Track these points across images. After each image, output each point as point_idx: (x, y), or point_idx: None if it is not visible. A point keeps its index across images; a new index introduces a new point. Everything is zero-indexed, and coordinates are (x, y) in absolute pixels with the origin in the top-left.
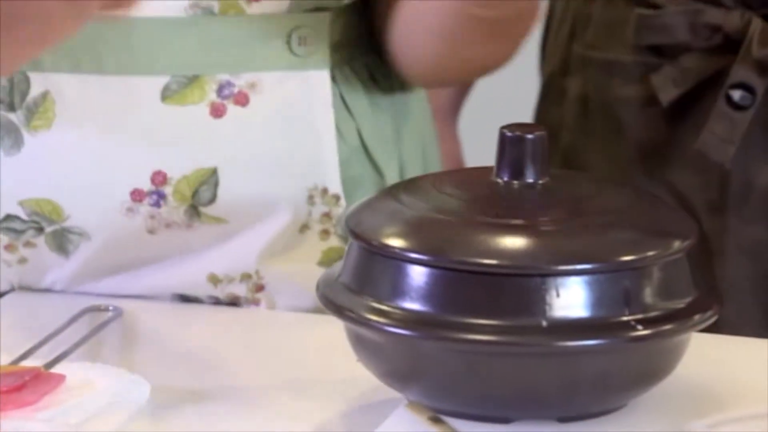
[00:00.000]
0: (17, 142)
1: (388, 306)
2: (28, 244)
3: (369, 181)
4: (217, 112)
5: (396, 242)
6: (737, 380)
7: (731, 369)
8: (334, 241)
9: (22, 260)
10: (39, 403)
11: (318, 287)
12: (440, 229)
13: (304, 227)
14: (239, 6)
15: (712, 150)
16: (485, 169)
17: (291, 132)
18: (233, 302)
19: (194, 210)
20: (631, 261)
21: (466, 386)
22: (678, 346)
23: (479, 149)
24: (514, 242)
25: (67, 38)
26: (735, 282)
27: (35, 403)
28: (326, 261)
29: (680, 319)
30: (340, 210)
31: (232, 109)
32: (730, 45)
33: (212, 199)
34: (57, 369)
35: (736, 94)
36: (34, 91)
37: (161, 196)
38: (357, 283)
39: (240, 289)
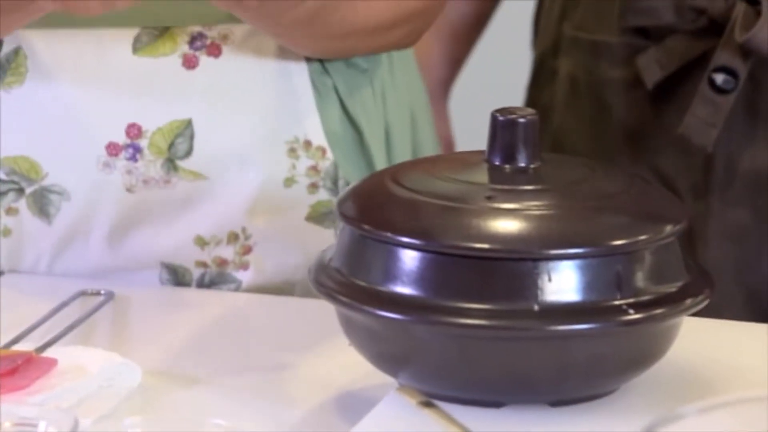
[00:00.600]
0: None
1: (379, 290)
2: (10, 210)
3: (349, 138)
4: (190, 63)
5: (388, 226)
6: (729, 364)
7: (723, 353)
8: (322, 195)
9: (6, 231)
10: (31, 387)
11: (310, 271)
12: (432, 213)
13: (290, 181)
14: None
15: (694, 133)
16: (477, 153)
17: (265, 83)
18: (222, 267)
19: (171, 164)
20: (623, 245)
21: (457, 370)
22: (669, 330)
23: (471, 132)
24: (505, 226)
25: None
26: (717, 266)
27: (27, 387)
28: (315, 215)
29: (672, 303)
30: (327, 163)
31: (204, 60)
32: (715, 28)
33: (189, 152)
34: (49, 353)
35: (719, 78)
36: (6, 48)
37: (137, 150)
38: (349, 267)
39: (228, 252)
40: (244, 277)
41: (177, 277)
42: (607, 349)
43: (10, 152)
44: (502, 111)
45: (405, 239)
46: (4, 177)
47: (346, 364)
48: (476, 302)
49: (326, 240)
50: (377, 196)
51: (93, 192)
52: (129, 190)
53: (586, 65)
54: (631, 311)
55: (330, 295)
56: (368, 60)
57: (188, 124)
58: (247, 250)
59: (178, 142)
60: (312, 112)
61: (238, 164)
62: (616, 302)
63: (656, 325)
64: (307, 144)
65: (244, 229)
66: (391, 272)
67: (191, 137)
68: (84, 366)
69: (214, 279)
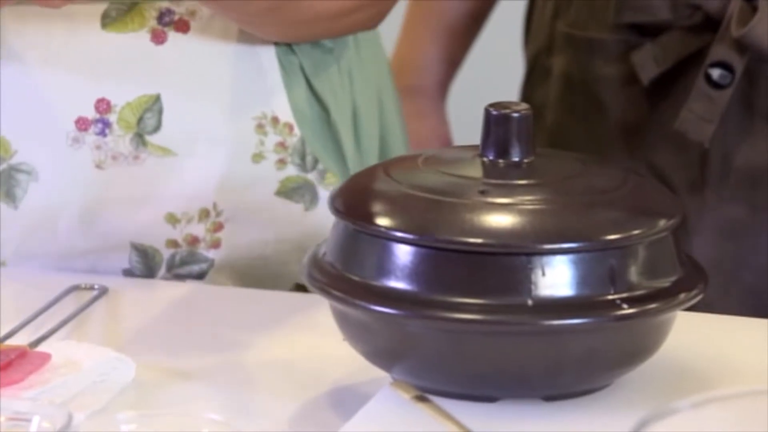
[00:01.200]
0: None
1: (373, 285)
2: None
3: (316, 116)
4: (158, 38)
5: (381, 221)
6: (722, 359)
7: (717, 348)
8: (291, 171)
9: None
10: (24, 381)
11: (303, 266)
12: (426, 207)
13: (258, 157)
14: None
15: (690, 129)
16: (471, 148)
17: (232, 60)
18: (193, 246)
19: (140, 139)
20: (617, 240)
21: (451, 365)
22: (663, 325)
23: (465, 128)
24: (499, 221)
25: None
26: (712, 261)
27: (20, 381)
28: (284, 190)
29: (665, 297)
30: (295, 140)
31: (173, 36)
32: (711, 24)
33: (157, 127)
34: (42, 348)
35: (715, 73)
36: None
37: (106, 125)
38: (342, 262)
39: (199, 230)
40: (216, 255)
41: (147, 259)
42: (600, 343)
43: None
44: (495, 105)
45: (398, 234)
46: None
47: (339, 358)
48: (470, 297)
49: (296, 214)
50: (371, 191)
51: (62, 169)
52: (98, 166)
53: (580, 63)
54: (625, 306)
55: (323, 289)
56: (334, 41)
57: (157, 99)
58: (219, 227)
59: (147, 117)
60: (279, 89)
61: (206, 140)
62: (610, 297)
63: (650, 320)
64: (275, 120)
65: (215, 205)
66: (384, 267)
67: (160, 112)
68: (78, 361)
69: (185, 259)
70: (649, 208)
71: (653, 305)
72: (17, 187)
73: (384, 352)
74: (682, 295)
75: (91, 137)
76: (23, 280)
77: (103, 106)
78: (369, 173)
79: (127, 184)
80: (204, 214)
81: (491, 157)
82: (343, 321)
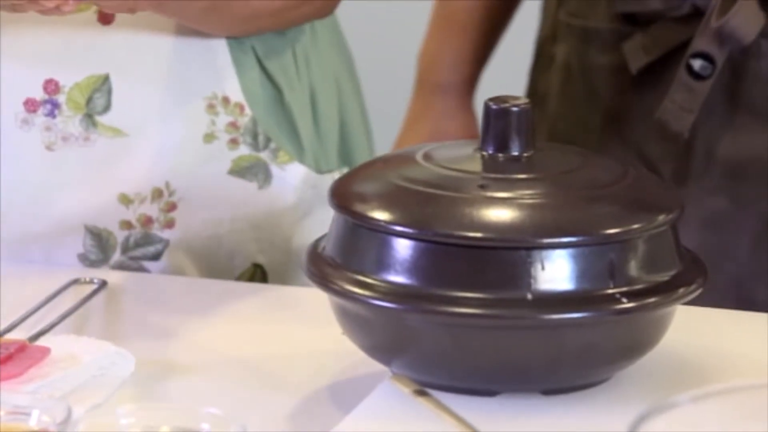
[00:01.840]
0: None
1: (373, 279)
2: None
3: (269, 96)
4: (106, 18)
5: (381, 215)
6: (722, 353)
7: (716, 342)
8: (243, 150)
9: None
10: (24, 375)
11: (303, 260)
12: (425, 202)
13: (210, 137)
14: None
15: (671, 119)
16: (471, 142)
17: (181, 40)
18: (147, 227)
19: (90, 119)
20: (616, 234)
21: (451, 359)
22: (663, 319)
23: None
24: (499, 215)
25: None
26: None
27: (20, 375)
28: (237, 169)
29: (665, 291)
30: (246, 119)
31: (120, 15)
32: (699, 14)
33: (107, 107)
34: (42, 342)
35: (696, 64)
36: None
37: (55, 105)
38: (342, 256)
39: (152, 210)
40: (171, 236)
41: (101, 242)
42: (600, 337)
43: None
44: (495, 100)
45: (398, 228)
46: None
47: (339, 353)
48: (469, 291)
49: (250, 193)
50: (370, 185)
51: (12, 151)
52: (49, 148)
53: (578, 51)
54: (624, 300)
55: (323, 283)
56: None
57: (106, 79)
58: (172, 207)
59: (96, 97)
60: (229, 70)
61: (157, 120)
62: (609, 291)
63: (649, 314)
64: (225, 100)
65: (167, 185)
66: (384, 261)
67: (109, 92)
68: (77, 355)
69: (140, 241)
70: (648, 203)
71: (652, 299)
72: None
73: (383, 346)
74: (682, 290)
75: (40, 119)
76: (23, 275)
77: (51, 86)
78: (368, 167)
79: (79, 166)
80: (157, 194)
81: (491, 152)
82: (342, 315)
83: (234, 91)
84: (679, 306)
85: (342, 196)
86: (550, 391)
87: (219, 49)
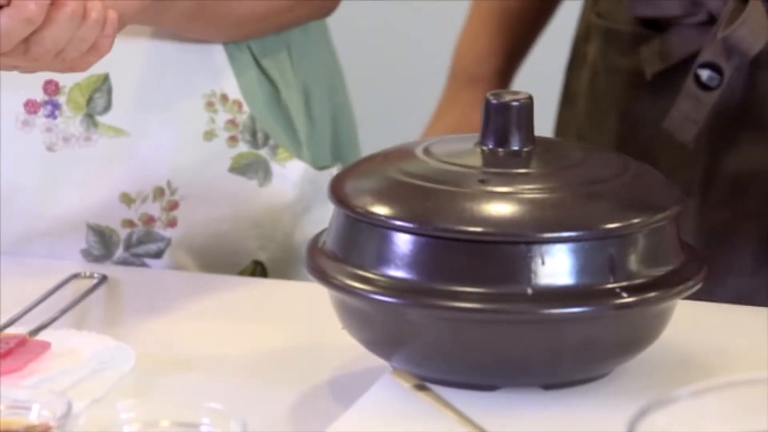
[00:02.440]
0: None
1: (373, 274)
2: None
3: (266, 94)
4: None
5: (381, 210)
6: (722, 347)
7: (716, 336)
8: (242, 147)
9: None
10: (24, 370)
11: (304, 255)
12: (426, 196)
13: (209, 134)
14: None
15: (676, 128)
16: (471, 137)
17: (177, 37)
18: (149, 225)
19: (91, 119)
20: (616, 228)
21: (451, 354)
22: (663, 314)
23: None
24: (499, 210)
25: None
26: None
27: (20, 370)
28: (237, 167)
29: (665, 286)
30: (245, 117)
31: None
32: (715, 22)
33: (107, 107)
34: (42, 336)
35: (704, 74)
36: None
37: (55, 106)
38: (342, 251)
39: (154, 209)
40: (173, 234)
41: (104, 239)
42: (600, 332)
43: None
44: (495, 95)
45: (398, 223)
46: None
47: (339, 347)
48: (470, 286)
49: (251, 191)
50: (370, 180)
51: (14, 152)
52: (50, 148)
53: (602, 52)
54: (625, 294)
55: (323, 278)
56: None
57: (105, 78)
58: (174, 206)
59: (96, 97)
60: (226, 67)
61: (157, 118)
62: (610, 285)
63: (649, 309)
64: (224, 98)
65: (169, 183)
66: (384, 256)
67: (109, 92)
68: (77, 349)
69: (142, 239)
70: (648, 197)
71: (653, 294)
72: None
73: (383, 341)
74: (682, 284)
75: (41, 120)
76: (23, 269)
77: (51, 87)
78: (369, 162)
79: (80, 166)
80: (159, 192)
81: (491, 146)
82: (342, 310)
83: (232, 88)
84: (679, 300)
85: (342, 191)
86: (550, 386)
87: (215, 47)
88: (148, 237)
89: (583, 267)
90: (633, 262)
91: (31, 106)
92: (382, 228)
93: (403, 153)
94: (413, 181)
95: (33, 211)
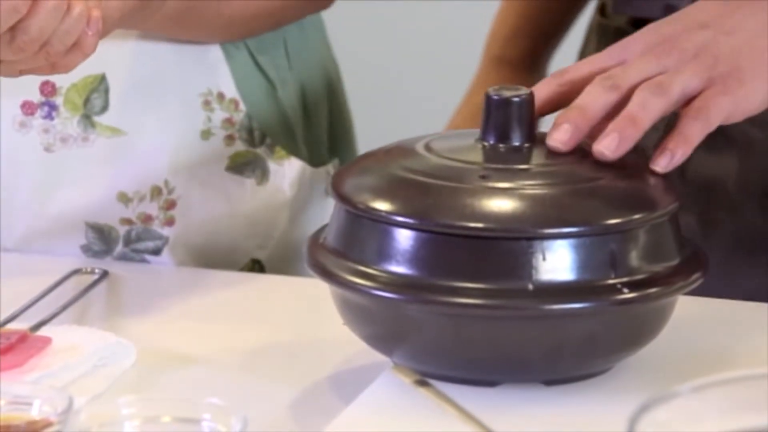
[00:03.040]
0: None
1: (374, 269)
2: None
3: (263, 91)
4: None
5: (382, 205)
6: (723, 343)
7: (717, 332)
8: (239, 146)
9: None
10: (25, 365)
11: (304, 251)
12: (426, 192)
13: (206, 133)
14: None
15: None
16: (472, 132)
17: (173, 38)
18: (146, 224)
19: (88, 120)
20: (617, 224)
21: (452, 349)
22: (664, 309)
23: None
24: (500, 205)
25: None
26: None
27: (21, 365)
28: (234, 166)
29: (666, 282)
30: (241, 115)
31: None
32: None
33: (105, 107)
34: (43, 332)
35: None
36: None
37: (52, 107)
38: (343, 246)
39: (152, 208)
40: (171, 233)
41: (103, 235)
42: (601, 328)
43: None
44: (496, 90)
45: (399, 218)
46: None
47: (340, 343)
48: (471, 281)
49: (248, 189)
50: (371, 175)
51: (11, 154)
52: (47, 149)
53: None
54: (626, 290)
55: (324, 274)
56: None
57: (102, 78)
58: (171, 205)
59: (93, 98)
60: (221, 64)
61: (154, 118)
62: (611, 281)
63: (650, 304)
64: (220, 96)
65: (166, 182)
66: (385, 251)
67: (106, 92)
68: (78, 345)
69: (141, 235)
70: (649, 193)
71: (654, 290)
72: None
73: (384, 337)
74: (683, 280)
75: (38, 121)
76: (24, 264)
77: (48, 88)
78: (370, 158)
79: (78, 166)
80: (156, 192)
81: (492, 142)
82: (343, 305)
83: (228, 86)
84: (680, 296)
85: (343, 187)
86: (551, 382)
87: (211, 45)
88: (147, 234)
89: (584, 263)
90: (634, 258)
91: (28, 108)
92: (383, 224)
93: (404, 149)
94: (414, 177)
95: (32, 212)
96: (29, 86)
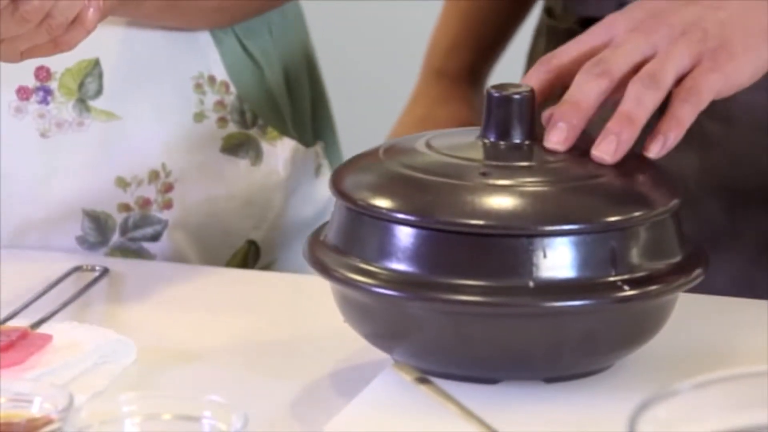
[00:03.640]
0: None
1: (374, 267)
2: None
3: (251, 75)
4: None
5: (382, 203)
6: (723, 340)
7: (717, 329)
8: (232, 128)
9: None
10: (25, 363)
11: (304, 248)
12: (427, 189)
13: (200, 116)
14: None
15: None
16: (472, 130)
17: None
18: (145, 209)
19: (83, 104)
20: (618, 221)
21: (453, 347)
22: (664, 307)
23: None
24: (501, 203)
25: None
26: None
27: (22, 362)
28: (228, 147)
29: (667, 279)
30: (232, 97)
31: None
32: None
33: (99, 91)
34: (44, 329)
35: None
36: None
37: (47, 92)
38: (343, 244)
39: (150, 192)
40: (169, 216)
41: (100, 224)
42: (602, 325)
43: None
44: (497, 87)
45: (400, 216)
46: None
47: (341, 340)
48: (471, 279)
49: (243, 170)
50: (372, 173)
51: (7, 140)
52: (43, 135)
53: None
54: (626, 288)
55: (325, 271)
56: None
57: (96, 63)
58: (169, 188)
59: (88, 82)
60: (210, 48)
61: (148, 102)
62: (611, 279)
63: (651, 302)
64: (211, 79)
65: (163, 166)
66: (386, 249)
67: (100, 76)
68: (79, 342)
69: (138, 223)
70: (650, 190)
71: (654, 287)
72: None
73: (385, 334)
74: (684, 277)
75: (33, 106)
76: (24, 261)
77: (42, 73)
78: (370, 155)
79: (74, 151)
80: (154, 175)
81: (492, 139)
82: (344, 303)
83: (218, 69)
84: (680, 294)
85: (343, 184)
86: (551, 379)
87: (199, 30)
88: (145, 221)
89: (584, 260)
90: (635, 255)
91: (23, 93)
92: (384, 221)
93: (404, 146)
94: (415, 174)
95: (28, 199)
96: (24, 71)
